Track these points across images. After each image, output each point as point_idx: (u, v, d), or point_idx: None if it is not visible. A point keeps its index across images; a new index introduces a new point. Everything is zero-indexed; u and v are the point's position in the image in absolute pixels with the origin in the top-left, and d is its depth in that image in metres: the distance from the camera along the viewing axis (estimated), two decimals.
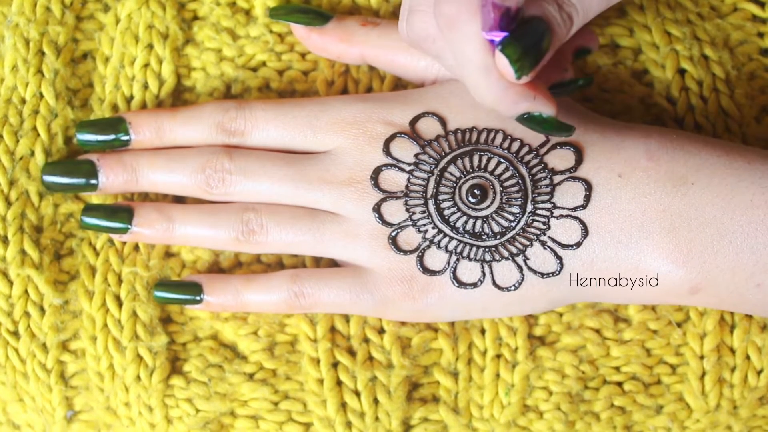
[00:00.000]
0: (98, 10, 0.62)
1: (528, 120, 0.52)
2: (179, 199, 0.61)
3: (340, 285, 0.58)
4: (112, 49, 0.62)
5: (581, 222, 0.55)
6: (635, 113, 0.61)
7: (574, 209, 0.55)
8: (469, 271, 0.57)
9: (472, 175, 0.57)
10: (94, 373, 0.61)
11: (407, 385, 0.60)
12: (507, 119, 0.57)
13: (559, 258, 0.56)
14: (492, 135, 0.57)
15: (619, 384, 0.61)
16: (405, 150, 0.57)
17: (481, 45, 0.50)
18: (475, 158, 0.57)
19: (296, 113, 0.59)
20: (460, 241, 0.56)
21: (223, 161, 0.58)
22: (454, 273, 0.57)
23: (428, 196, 0.57)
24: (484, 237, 0.56)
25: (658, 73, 0.61)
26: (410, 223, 0.57)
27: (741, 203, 0.54)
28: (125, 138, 0.60)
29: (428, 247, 0.57)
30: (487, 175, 0.56)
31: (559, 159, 0.56)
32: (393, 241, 0.57)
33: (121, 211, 0.59)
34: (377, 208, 0.57)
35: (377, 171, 0.57)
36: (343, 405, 0.60)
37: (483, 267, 0.56)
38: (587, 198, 0.55)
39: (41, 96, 0.61)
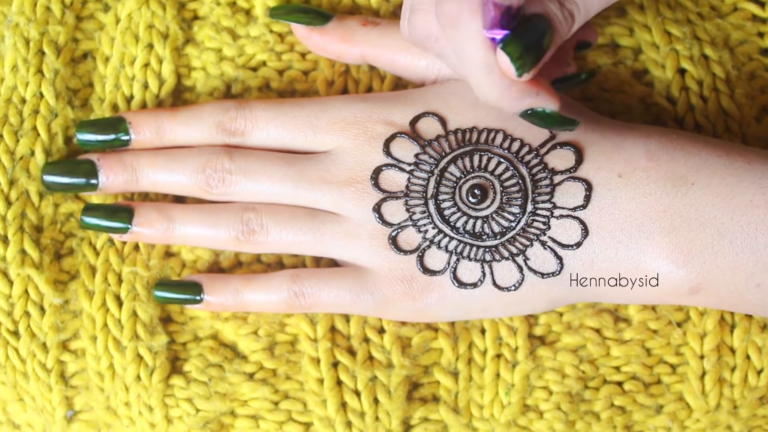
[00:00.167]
0: (98, 9, 0.62)
1: (531, 116, 0.52)
2: (179, 199, 0.61)
3: (340, 285, 0.58)
4: (113, 48, 0.62)
5: (581, 222, 0.55)
6: (635, 113, 0.61)
7: (574, 209, 0.55)
8: (469, 271, 0.57)
9: (473, 175, 0.57)
10: (94, 372, 0.61)
11: (407, 384, 0.60)
12: (507, 119, 0.57)
13: (560, 258, 0.56)
14: (492, 135, 0.57)
15: (620, 384, 0.61)
16: (405, 150, 0.57)
17: (483, 43, 0.50)
18: (476, 158, 0.57)
19: (296, 113, 0.59)
20: (460, 241, 0.56)
21: (223, 161, 0.58)
22: (454, 273, 0.57)
23: (428, 196, 0.57)
24: (484, 237, 0.56)
25: (658, 72, 0.61)
26: (410, 223, 0.57)
27: (741, 203, 0.54)
28: (125, 138, 0.60)
29: (428, 247, 0.57)
30: (487, 175, 0.56)
31: (560, 159, 0.56)
32: (393, 241, 0.57)
33: (121, 211, 0.59)
34: (377, 208, 0.57)
35: (377, 171, 0.57)
36: (343, 405, 0.60)
37: (483, 267, 0.56)
38: (587, 198, 0.55)
39: (41, 96, 0.61)
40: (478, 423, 0.61)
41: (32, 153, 0.60)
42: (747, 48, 0.62)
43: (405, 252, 0.57)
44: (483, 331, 0.60)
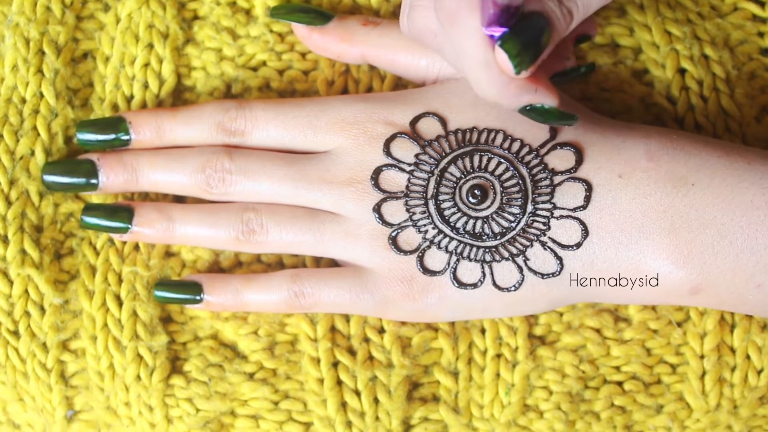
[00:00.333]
0: (98, 9, 0.62)
1: (530, 111, 0.52)
2: (179, 199, 0.61)
3: (340, 285, 0.58)
4: (113, 48, 0.62)
5: (581, 222, 0.55)
6: (635, 113, 0.61)
7: (574, 210, 0.55)
8: (469, 271, 0.57)
9: (473, 175, 0.57)
10: (94, 372, 0.61)
11: (407, 384, 0.61)
12: (507, 119, 0.57)
13: (560, 258, 0.56)
14: (492, 135, 0.57)
15: (620, 383, 0.61)
16: (405, 150, 0.57)
17: (482, 40, 0.50)
18: (476, 158, 0.57)
19: (296, 113, 0.58)
20: (460, 242, 0.56)
21: (223, 161, 0.58)
22: (454, 273, 0.57)
23: (428, 196, 0.57)
24: (484, 237, 0.56)
25: (658, 72, 0.61)
26: (410, 223, 0.57)
27: (741, 204, 0.54)
28: (125, 137, 0.60)
29: (428, 247, 0.57)
30: (487, 175, 0.56)
31: (560, 159, 0.56)
32: (393, 241, 0.57)
33: (122, 211, 0.59)
34: (377, 209, 0.57)
35: (377, 171, 0.57)
36: (344, 404, 0.60)
37: (483, 267, 0.56)
38: (587, 198, 0.55)
39: (41, 95, 0.61)
40: (478, 423, 0.61)
41: (32, 153, 0.60)
42: (747, 48, 0.62)
43: (405, 252, 0.57)
44: (483, 331, 0.60)
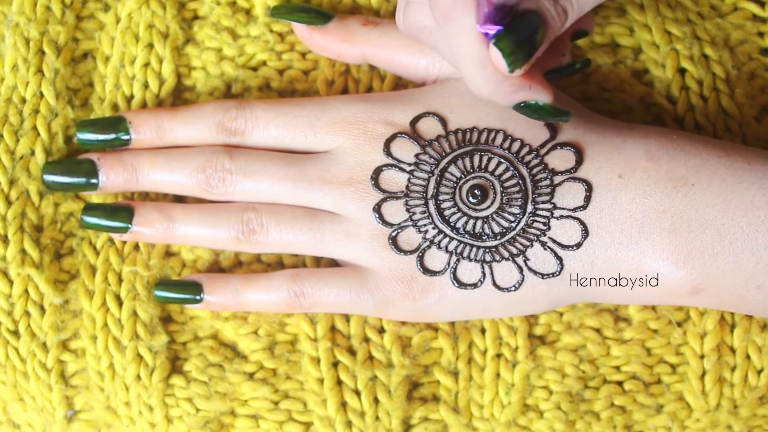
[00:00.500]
0: (98, 9, 0.62)
1: (525, 108, 0.52)
2: (179, 199, 0.61)
3: (340, 285, 0.58)
4: (113, 48, 0.62)
5: (581, 223, 0.55)
6: (635, 113, 0.61)
7: (574, 210, 0.55)
8: (469, 271, 0.57)
9: (473, 175, 0.57)
10: (94, 372, 0.61)
11: (407, 384, 0.61)
12: (507, 119, 0.57)
13: (560, 258, 0.56)
14: (492, 135, 0.57)
15: (620, 383, 0.61)
16: (405, 150, 0.57)
17: (476, 38, 0.50)
18: (476, 158, 0.57)
19: (297, 113, 0.58)
20: (460, 242, 0.56)
21: (223, 161, 0.58)
22: (454, 273, 0.57)
23: (429, 196, 0.57)
24: (484, 237, 0.56)
25: (658, 72, 0.61)
26: (410, 223, 0.57)
27: (741, 204, 0.54)
28: (126, 137, 0.60)
29: (428, 247, 0.57)
30: (487, 175, 0.56)
31: (560, 159, 0.56)
32: (393, 241, 0.57)
33: (122, 211, 0.59)
34: (377, 208, 0.57)
35: (378, 171, 0.57)
36: (344, 404, 0.60)
37: (483, 267, 0.56)
38: (587, 198, 0.55)
39: (41, 95, 0.61)
40: (478, 423, 0.61)
41: (32, 152, 0.60)
42: (747, 48, 0.62)
43: (405, 252, 0.57)
44: (483, 331, 0.60)
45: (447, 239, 0.56)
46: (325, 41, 0.60)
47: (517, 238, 0.56)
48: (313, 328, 0.60)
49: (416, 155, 0.57)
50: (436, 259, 0.57)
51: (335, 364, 0.60)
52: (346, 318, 0.60)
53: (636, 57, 0.62)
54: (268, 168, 0.58)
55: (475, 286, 0.57)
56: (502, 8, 0.49)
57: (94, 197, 0.61)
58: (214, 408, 0.61)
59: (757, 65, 0.62)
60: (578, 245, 0.55)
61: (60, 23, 0.61)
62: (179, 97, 0.62)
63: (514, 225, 0.56)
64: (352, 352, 0.60)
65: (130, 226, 0.59)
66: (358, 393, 0.60)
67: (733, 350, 0.60)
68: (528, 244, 0.56)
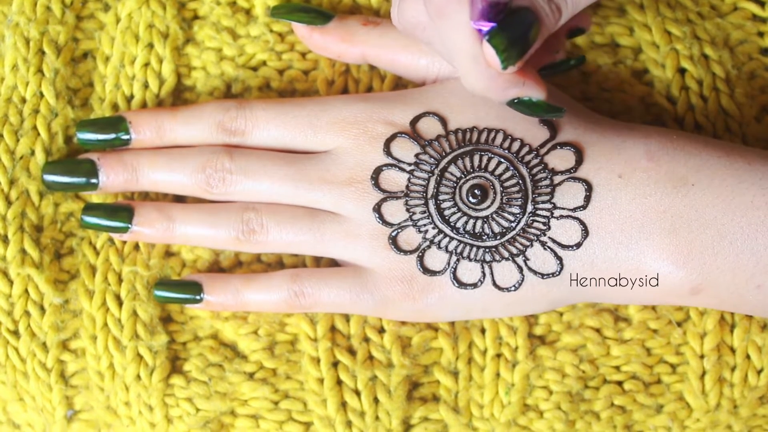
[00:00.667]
0: (98, 9, 0.62)
1: (518, 104, 0.52)
2: (179, 199, 0.61)
3: (340, 285, 0.58)
4: (113, 48, 0.62)
5: (581, 222, 0.55)
6: (635, 113, 0.61)
7: (574, 210, 0.55)
8: (469, 271, 0.57)
9: (473, 175, 0.57)
10: (94, 372, 0.61)
11: (407, 384, 0.61)
12: (507, 119, 0.57)
13: (560, 258, 0.56)
14: (492, 135, 0.57)
15: (620, 383, 0.61)
16: (405, 150, 0.57)
17: (470, 34, 0.50)
18: (476, 158, 0.57)
19: (297, 113, 0.58)
20: (460, 242, 0.56)
21: (223, 161, 0.58)
22: (454, 273, 0.57)
23: (428, 196, 0.57)
24: (484, 237, 0.56)
25: (658, 72, 0.61)
26: (410, 223, 0.57)
27: (741, 204, 0.54)
28: (126, 137, 0.60)
29: (428, 247, 0.57)
30: (487, 175, 0.56)
31: (560, 159, 0.56)
32: (393, 241, 0.57)
33: (122, 211, 0.59)
34: (377, 208, 0.57)
35: (378, 171, 0.57)
36: (344, 404, 0.60)
37: (483, 267, 0.56)
38: (587, 198, 0.55)
39: (41, 95, 0.61)
40: (478, 422, 0.61)
41: (32, 152, 0.60)
42: (747, 47, 0.62)
43: (405, 252, 0.57)
44: (483, 331, 0.60)
45: (447, 239, 0.56)
46: (325, 41, 0.61)
47: (517, 237, 0.56)
48: (313, 328, 0.60)
49: (416, 155, 0.57)
50: (436, 258, 0.57)
51: (335, 364, 0.60)
52: (346, 318, 0.60)
53: (636, 57, 0.62)
54: (268, 168, 0.58)
55: (475, 286, 0.57)
56: (495, 5, 0.49)
57: (94, 197, 0.61)
58: (214, 408, 0.61)
59: (757, 65, 0.62)
60: (578, 245, 0.55)
61: (60, 23, 0.61)
62: (179, 97, 0.62)
63: (514, 225, 0.56)
64: (352, 352, 0.60)
65: (130, 226, 0.59)
66: (358, 393, 0.60)
67: (733, 350, 0.60)
68: (528, 244, 0.56)
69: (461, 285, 0.57)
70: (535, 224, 0.56)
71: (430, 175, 0.57)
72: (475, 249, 0.56)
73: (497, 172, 0.56)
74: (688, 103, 0.61)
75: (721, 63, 0.61)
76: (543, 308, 0.58)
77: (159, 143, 0.60)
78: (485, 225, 0.56)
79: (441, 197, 0.57)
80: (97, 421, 0.63)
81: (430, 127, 0.57)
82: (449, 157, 0.57)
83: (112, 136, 0.60)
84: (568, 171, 0.56)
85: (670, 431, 0.61)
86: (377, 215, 0.57)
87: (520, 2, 0.50)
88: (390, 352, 0.60)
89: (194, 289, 0.60)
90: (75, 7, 0.62)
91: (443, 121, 0.57)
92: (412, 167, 0.57)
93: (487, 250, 0.56)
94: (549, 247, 0.56)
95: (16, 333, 0.61)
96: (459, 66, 0.52)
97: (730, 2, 0.62)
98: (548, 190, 0.56)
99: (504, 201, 0.56)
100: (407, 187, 0.57)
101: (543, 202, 0.56)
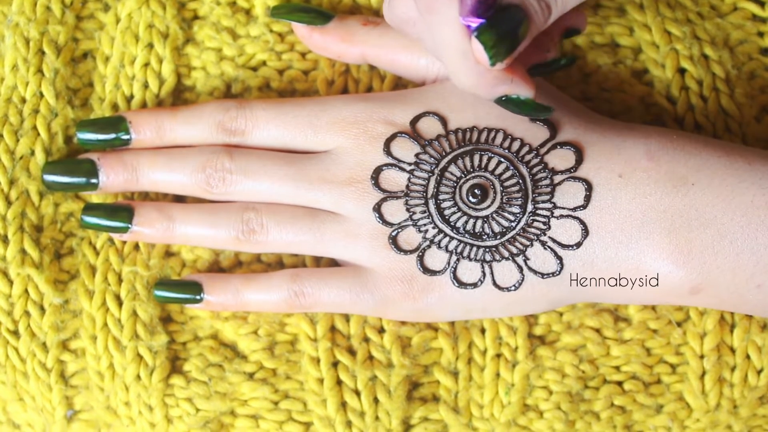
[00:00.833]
0: (98, 9, 0.62)
1: (506, 102, 0.52)
2: (179, 199, 0.61)
3: (340, 284, 0.58)
4: (113, 48, 0.62)
5: (581, 222, 0.55)
6: (635, 113, 0.61)
7: (574, 209, 0.55)
8: (469, 271, 0.57)
9: (473, 174, 0.57)
10: (94, 372, 0.61)
11: (407, 384, 0.61)
12: (507, 118, 0.57)
13: (560, 258, 0.56)
14: (492, 134, 0.57)
15: (619, 383, 0.61)
16: (405, 150, 0.57)
17: (459, 30, 0.50)
18: (476, 158, 0.57)
19: (297, 113, 0.58)
20: (460, 241, 0.56)
21: (223, 161, 0.58)
22: (454, 273, 0.57)
23: (429, 195, 0.57)
24: (484, 237, 0.56)
25: (658, 72, 0.61)
26: (410, 222, 0.57)
27: (741, 204, 0.54)
28: (126, 137, 0.60)
29: (428, 246, 0.57)
30: (487, 174, 0.56)
31: (560, 159, 0.56)
32: (393, 240, 0.57)
33: (122, 211, 0.59)
34: (377, 208, 0.57)
35: (378, 171, 0.57)
36: (343, 404, 0.60)
37: (483, 267, 0.56)
38: (587, 198, 0.55)
39: (41, 95, 0.61)
40: (478, 422, 0.61)
41: (32, 152, 0.60)
42: (747, 47, 0.62)
43: (405, 252, 0.57)
44: (483, 331, 0.60)
45: (447, 239, 0.56)
46: (325, 41, 0.61)
47: (517, 237, 0.56)
48: (313, 328, 0.60)
49: (416, 155, 0.57)
50: (436, 258, 0.57)
51: (335, 364, 0.60)
52: (346, 318, 0.60)
53: (636, 57, 0.62)
54: (268, 168, 0.58)
55: (475, 285, 0.57)
56: (485, 1, 0.49)
57: (94, 197, 0.61)
58: (214, 408, 0.61)
59: (757, 65, 0.62)
60: (578, 245, 0.55)
61: (60, 23, 0.61)
62: (179, 97, 0.62)
63: (514, 224, 0.56)
64: (351, 352, 0.60)
65: (130, 226, 0.59)
66: (357, 393, 0.60)
67: (732, 350, 0.60)
68: (528, 243, 0.56)
69: (461, 285, 0.57)
70: (535, 224, 0.56)
71: (430, 174, 0.57)
72: (475, 249, 0.56)
73: (497, 171, 0.56)
74: (688, 103, 0.61)
75: (721, 63, 0.61)
76: (543, 308, 0.58)
77: (159, 143, 0.60)
78: (485, 225, 0.56)
79: (441, 197, 0.57)
80: (97, 421, 0.63)
81: (430, 127, 0.57)
82: (449, 157, 0.57)
83: (112, 136, 0.60)
84: (568, 170, 0.56)
85: (670, 431, 0.61)
86: (377, 215, 0.57)
87: None
88: (390, 352, 0.60)
89: (194, 289, 0.60)
90: (75, 7, 0.62)
91: (443, 121, 0.57)
92: (412, 167, 0.57)
93: (487, 249, 0.56)
94: (549, 247, 0.56)
95: (16, 333, 0.61)
96: (448, 62, 0.52)
97: (730, 2, 0.62)
98: (548, 189, 0.56)
99: (504, 200, 0.56)
100: (407, 186, 0.57)
101: (543, 202, 0.56)
